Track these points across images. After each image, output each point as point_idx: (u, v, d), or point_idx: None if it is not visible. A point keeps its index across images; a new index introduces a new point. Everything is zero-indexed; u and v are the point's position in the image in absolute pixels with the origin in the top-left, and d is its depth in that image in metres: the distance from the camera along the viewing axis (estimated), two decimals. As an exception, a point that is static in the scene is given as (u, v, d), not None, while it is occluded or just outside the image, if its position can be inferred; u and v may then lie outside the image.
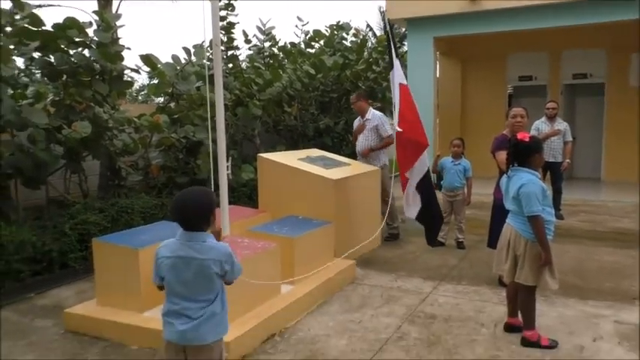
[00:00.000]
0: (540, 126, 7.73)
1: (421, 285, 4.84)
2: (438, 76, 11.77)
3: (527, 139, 3.49)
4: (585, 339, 3.63)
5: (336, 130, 11.20)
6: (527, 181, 3.38)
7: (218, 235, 2.51)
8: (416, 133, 5.66)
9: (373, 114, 6.65)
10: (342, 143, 11.23)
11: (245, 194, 7.86)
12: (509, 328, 3.74)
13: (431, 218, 5.87)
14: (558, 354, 3.40)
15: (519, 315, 3.67)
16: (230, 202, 4.33)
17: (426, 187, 5.80)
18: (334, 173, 5.66)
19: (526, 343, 3.51)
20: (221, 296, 2.38)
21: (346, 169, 6.07)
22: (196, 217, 2.29)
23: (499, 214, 4.22)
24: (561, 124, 7.71)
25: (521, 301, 3.58)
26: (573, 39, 10.95)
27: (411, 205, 5.88)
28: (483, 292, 4.62)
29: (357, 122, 6.83)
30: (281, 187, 5.66)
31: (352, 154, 10.80)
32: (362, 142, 6.64)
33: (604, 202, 9.12)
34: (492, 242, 4.31)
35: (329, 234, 4.97)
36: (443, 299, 4.45)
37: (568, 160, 7.74)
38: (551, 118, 7.71)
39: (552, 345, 3.49)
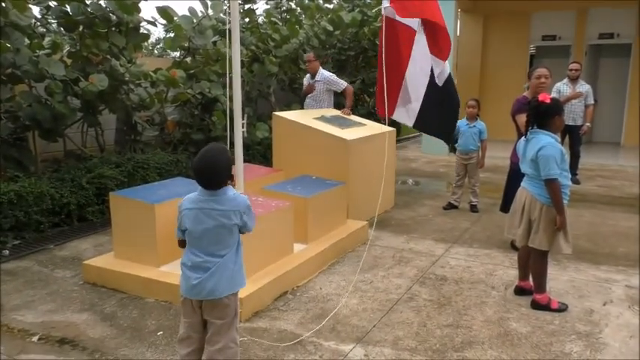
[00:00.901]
0: (562, 88, 7.55)
1: (433, 247, 4.87)
2: (458, 34, 11.47)
3: (548, 101, 3.41)
4: (595, 303, 3.65)
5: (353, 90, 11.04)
6: (547, 143, 3.32)
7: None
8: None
9: (322, 74, 6.70)
10: (357, 103, 11.10)
11: (259, 152, 7.88)
12: (520, 291, 3.77)
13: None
14: (567, 317, 3.43)
15: (530, 278, 3.69)
16: (245, 161, 4.34)
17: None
18: (349, 133, 5.62)
19: (536, 305, 3.54)
20: (237, 251, 2.43)
21: (361, 129, 6.02)
22: (216, 179, 2.34)
23: (515, 178, 4.18)
24: (583, 87, 7.52)
25: (534, 265, 3.59)
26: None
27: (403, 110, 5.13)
28: (495, 255, 4.64)
29: (305, 81, 6.92)
30: (296, 146, 5.65)
31: (367, 114, 10.72)
32: (313, 104, 6.77)
33: (622, 167, 8.98)
34: (506, 207, 4.28)
35: (342, 194, 4.98)
36: (454, 262, 4.48)
37: (588, 124, 7.60)
38: (574, 80, 7.52)
39: (562, 308, 3.52)
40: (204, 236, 2.35)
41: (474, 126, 6.01)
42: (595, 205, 6.40)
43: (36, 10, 5.92)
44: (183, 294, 2.41)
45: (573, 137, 7.55)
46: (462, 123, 6.09)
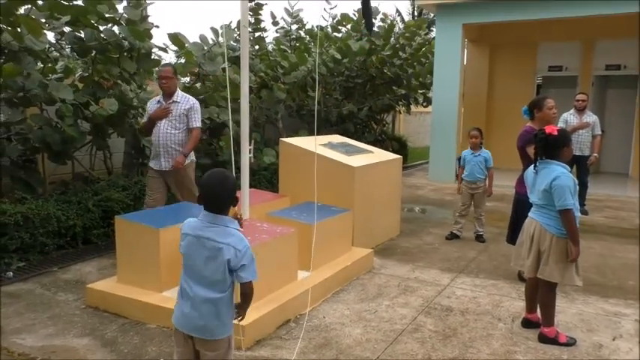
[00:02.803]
0: (569, 118, 7.56)
1: (439, 277, 4.81)
2: (465, 63, 11.57)
3: (555, 133, 3.41)
4: (604, 337, 3.57)
5: (359, 117, 11.13)
6: (561, 173, 3.31)
7: (238, 219, 2.50)
8: None
9: (183, 96, 5.13)
10: (364, 130, 11.16)
11: (266, 178, 7.90)
12: (527, 323, 3.70)
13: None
14: (576, 351, 3.36)
15: (538, 311, 3.63)
16: (250, 186, 4.35)
17: None
18: (355, 160, 5.63)
19: (544, 339, 3.47)
20: (230, 295, 2.33)
21: (368, 156, 6.04)
22: (219, 200, 2.30)
23: (521, 208, 4.15)
24: (590, 117, 7.53)
25: (542, 297, 3.53)
26: (608, 28, 10.58)
27: None
28: (501, 286, 4.57)
29: (154, 104, 5.15)
30: (302, 173, 5.65)
31: (375, 141, 10.78)
32: (166, 131, 5.01)
33: (630, 199, 8.91)
34: (513, 237, 4.24)
35: (348, 221, 4.96)
36: (460, 292, 4.42)
37: (595, 155, 7.57)
38: (581, 111, 7.53)
39: (570, 342, 3.45)
40: (195, 265, 2.30)
41: (479, 155, 6.01)
42: (603, 237, 6.33)
43: (50, 36, 6.06)
44: (174, 323, 2.36)
45: (581, 167, 7.52)
46: (466, 153, 6.10)
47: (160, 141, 5.03)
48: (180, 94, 5.11)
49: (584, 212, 7.17)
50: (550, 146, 3.41)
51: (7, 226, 4.73)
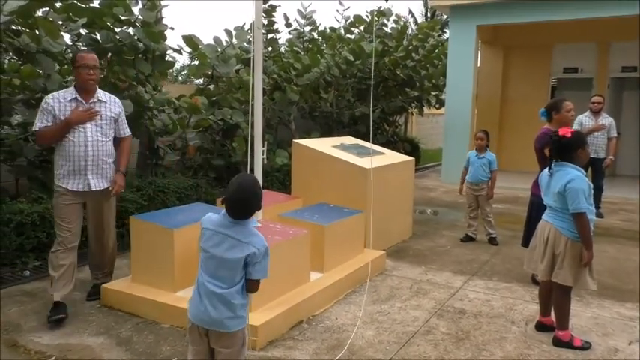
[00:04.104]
0: (584, 120, 7.50)
1: (451, 279, 4.79)
2: (478, 65, 11.51)
3: (569, 135, 3.39)
4: (620, 341, 3.54)
5: (372, 118, 11.11)
6: (575, 177, 3.29)
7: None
8: None
9: (108, 95, 4.09)
10: (377, 131, 11.15)
11: (278, 179, 7.93)
12: (541, 326, 3.68)
13: None
14: (591, 355, 3.33)
15: (552, 314, 3.60)
16: (263, 187, 4.37)
17: None
18: (368, 162, 5.62)
19: (558, 343, 3.44)
20: (243, 287, 2.39)
21: (380, 158, 6.03)
22: (247, 212, 2.36)
23: (536, 211, 4.13)
24: (606, 119, 7.46)
25: (556, 301, 3.50)
26: (623, 30, 10.44)
27: None
28: (515, 289, 4.55)
29: (66, 102, 3.81)
30: (314, 174, 5.68)
31: (387, 143, 10.75)
32: (96, 139, 3.86)
33: (647, 202, 8.81)
34: (527, 241, 4.21)
35: (360, 223, 4.96)
36: (473, 294, 4.40)
37: (611, 157, 7.50)
38: (596, 113, 7.46)
39: (585, 346, 3.42)
40: (215, 259, 2.35)
41: (484, 157, 6.00)
42: (618, 240, 6.27)
43: (67, 37, 6.14)
44: (191, 319, 2.40)
45: (596, 170, 7.45)
46: (471, 154, 6.10)
47: (88, 152, 3.79)
48: (103, 93, 4.04)
49: (599, 215, 7.09)
50: (563, 149, 3.39)
51: (24, 226, 4.81)
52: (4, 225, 4.74)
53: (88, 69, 3.79)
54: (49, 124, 3.74)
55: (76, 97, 3.83)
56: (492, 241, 6.03)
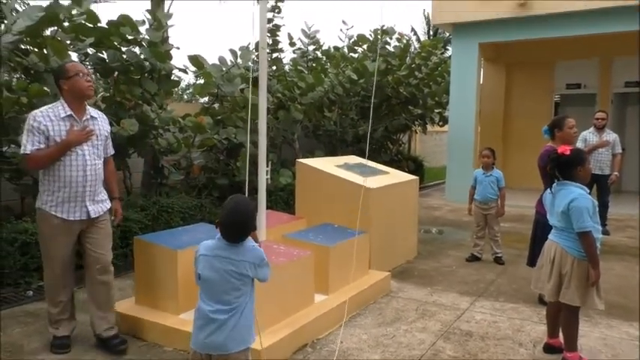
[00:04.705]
0: (588, 136, 7.48)
1: (457, 300, 4.74)
2: (481, 82, 11.56)
3: (568, 153, 3.37)
4: (629, 365, 3.48)
5: (375, 137, 11.14)
6: (578, 195, 3.26)
7: (256, 241, 2.56)
8: None
9: (95, 111, 3.71)
10: (380, 150, 11.17)
11: (282, 199, 7.91)
12: (549, 348, 3.62)
13: None
14: (600, 381, 3.27)
15: (560, 335, 3.55)
16: (267, 207, 4.37)
17: None
18: (372, 181, 5.62)
19: (567, 366, 3.39)
20: (249, 305, 2.42)
21: (384, 177, 6.03)
22: (241, 235, 2.39)
23: (541, 229, 4.10)
24: (610, 135, 7.45)
25: (564, 322, 3.45)
26: (626, 45, 10.44)
27: None
28: (522, 310, 4.49)
29: (58, 119, 3.39)
30: (318, 194, 5.67)
31: (390, 162, 10.74)
32: (93, 162, 3.52)
33: (654, 219, 8.74)
34: (533, 260, 4.18)
35: (365, 244, 4.93)
36: (480, 316, 4.35)
37: (616, 173, 7.47)
38: (600, 129, 7.46)
39: (594, 369, 3.37)
40: (216, 283, 2.36)
41: (491, 175, 5.97)
42: (625, 257, 6.21)
43: (74, 56, 6.20)
44: (193, 347, 2.39)
45: (601, 187, 7.42)
46: (478, 172, 6.07)
47: (86, 176, 3.45)
48: (92, 108, 3.67)
49: (605, 232, 7.04)
50: (563, 167, 3.38)
51: (29, 245, 4.80)
52: (8, 244, 4.74)
53: (85, 75, 3.45)
54: (42, 146, 3.31)
55: (71, 115, 3.42)
56: (498, 260, 5.98)
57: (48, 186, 3.42)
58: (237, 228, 2.35)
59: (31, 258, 4.82)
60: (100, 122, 3.64)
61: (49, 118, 3.35)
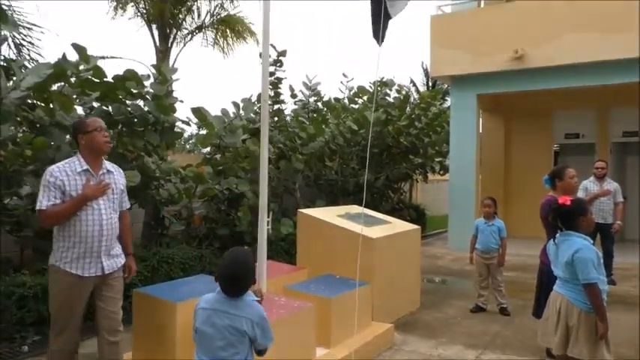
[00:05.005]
0: (589, 186, 7.49)
1: (463, 353, 4.62)
2: (480, 131, 11.70)
3: (568, 203, 3.37)
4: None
5: (376, 186, 11.18)
6: (582, 246, 3.24)
7: (259, 295, 2.53)
8: None
9: (111, 165, 3.70)
10: (382, 199, 11.19)
11: (283, 248, 7.86)
12: (559, 403, 3.50)
13: None
14: None
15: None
16: (268, 257, 4.33)
17: None
18: (374, 231, 5.60)
19: (576, 422, 3.26)
20: None
21: (386, 227, 6.01)
22: (239, 289, 2.37)
23: (546, 279, 4.04)
24: (611, 184, 7.47)
25: (573, 376, 3.35)
26: (623, 96, 10.62)
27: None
28: (529, 363, 4.37)
29: (74, 174, 3.38)
30: (320, 244, 5.64)
31: (392, 210, 10.73)
32: (110, 217, 3.48)
33: (659, 268, 8.62)
34: (539, 311, 4.09)
35: (367, 295, 4.86)
36: (486, 370, 4.23)
37: (619, 222, 7.43)
38: (601, 178, 7.48)
39: None
40: (212, 339, 2.31)
41: (493, 224, 5.95)
42: (633, 308, 6.08)
43: (80, 110, 6.33)
44: None
45: (605, 236, 7.37)
46: (479, 222, 6.06)
47: (103, 232, 3.40)
48: (108, 163, 3.67)
49: (611, 282, 6.94)
50: (565, 217, 3.37)
51: (26, 299, 4.74)
52: (5, 298, 4.67)
53: (103, 131, 3.49)
54: (58, 201, 3.29)
55: (87, 169, 3.41)
56: (504, 311, 5.86)
57: (63, 242, 3.36)
58: (236, 282, 2.33)
59: (27, 312, 4.74)
60: (116, 176, 3.63)
61: (65, 173, 3.34)
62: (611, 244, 7.42)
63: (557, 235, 3.42)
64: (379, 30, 4.64)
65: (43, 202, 3.27)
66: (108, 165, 3.61)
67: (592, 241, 3.37)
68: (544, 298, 3.78)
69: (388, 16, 4.69)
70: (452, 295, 6.83)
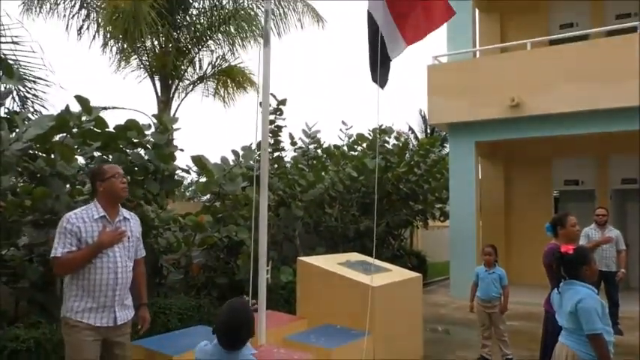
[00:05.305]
0: (590, 233, 7.46)
1: (468, 407, 4.47)
2: (479, 177, 11.74)
3: (571, 252, 3.35)
4: None
5: (377, 232, 11.13)
6: (586, 295, 3.19)
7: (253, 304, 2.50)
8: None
9: (130, 213, 3.70)
10: (382, 245, 11.12)
11: (283, 297, 7.74)
12: None
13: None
14: None
15: None
16: (267, 306, 4.26)
17: None
18: (374, 279, 5.52)
19: None
20: None
21: (387, 275, 5.94)
22: (238, 342, 2.33)
23: (552, 329, 3.95)
24: (612, 232, 7.43)
25: None
26: (621, 143, 10.68)
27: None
28: (538, 418, 4.21)
29: (91, 221, 3.35)
30: (320, 293, 5.56)
31: (392, 257, 10.64)
32: (125, 265, 3.41)
33: (666, 316, 8.45)
34: (545, 362, 3.99)
35: (368, 345, 4.74)
36: None
37: (623, 270, 7.36)
38: (602, 225, 7.45)
39: None
40: None
41: (494, 272, 5.90)
42: (642, 360, 5.93)
43: (81, 159, 6.37)
44: None
45: (610, 284, 7.27)
46: (480, 270, 6.01)
47: (118, 280, 3.32)
48: (125, 210, 3.63)
49: (618, 332, 6.78)
50: (568, 266, 3.34)
51: (19, 353, 4.61)
52: (-3, 352, 4.56)
53: (121, 177, 3.46)
54: (74, 249, 3.23)
55: (104, 216, 3.36)
56: (509, 362, 5.72)
57: (76, 291, 3.28)
58: (234, 335, 2.29)
59: (19, 367, 4.61)
60: (132, 223, 3.57)
61: (82, 220, 3.30)
62: (615, 293, 7.32)
63: (561, 283, 3.38)
64: (377, 74, 4.74)
65: (59, 250, 3.22)
66: (124, 212, 3.57)
67: (596, 290, 3.32)
68: (550, 347, 3.69)
69: (388, 59, 4.81)
70: (456, 345, 6.67)
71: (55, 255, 3.22)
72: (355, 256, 6.49)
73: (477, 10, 11.65)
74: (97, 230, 3.30)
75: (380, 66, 4.66)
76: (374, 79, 4.81)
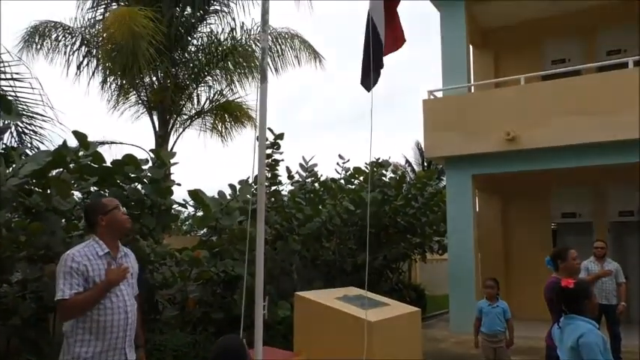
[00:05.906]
0: (590, 266, 7.41)
1: None
2: (477, 210, 11.73)
3: (572, 286, 3.32)
4: None
5: (374, 266, 11.06)
6: (587, 330, 3.15)
7: None
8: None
9: (127, 249, 3.43)
10: (380, 279, 11.02)
11: (280, 332, 7.62)
12: None
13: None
14: None
15: None
16: (264, 342, 4.17)
17: None
18: (372, 314, 5.45)
19: None
20: None
21: (385, 309, 5.86)
22: None
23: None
24: (611, 264, 7.38)
25: None
26: (619, 176, 10.74)
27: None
28: None
29: (96, 258, 3.10)
30: (318, 328, 5.47)
31: (390, 291, 10.53)
32: (132, 302, 3.22)
33: (669, 350, 8.32)
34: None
35: (367, 383, 4.64)
36: None
37: (623, 303, 7.28)
38: (600, 258, 7.41)
39: None
40: None
41: (497, 306, 5.83)
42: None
43: (77, 194, 6.36)
44: None
45: (610, 318, 7.17)
46: (483, 304, 5.93)
47: (128, 319, 3.13)
48: (121, 245, 3.37)
49: (621, 367, 6.67)
50: (569, 300, 3.31)
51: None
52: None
53: (122, 209, 3.27)
54: (81, 289, 2.96)
55: (108, 252, 3.13)
56: (513, 399, 5.59)
57: (82, 336, 2.99)
58: None
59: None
60: (131, 259, 3.38)
61: (87, 258, 3.05)
62: (617, 327, 7.22)
63: (562, 318, 3.34)
64: (370, 79, 4.75)
65: (66, 291, 2.93)
66: (123, 248, 3.37)
67: (597, 325, 3.28)
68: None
69: (381, 65, 4.85)
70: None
71: (62, 297, 2.92)
72: (353, 291, 6.41)
73: (471, 47, 11.87)
74: (103, 268, 3.08)
75: (373, 70, 4.68)
76: (363, 83, 4.81)
